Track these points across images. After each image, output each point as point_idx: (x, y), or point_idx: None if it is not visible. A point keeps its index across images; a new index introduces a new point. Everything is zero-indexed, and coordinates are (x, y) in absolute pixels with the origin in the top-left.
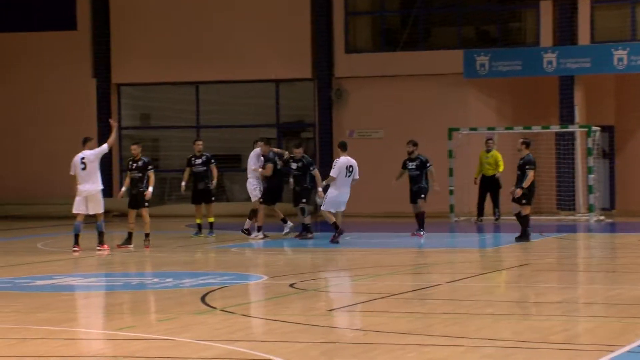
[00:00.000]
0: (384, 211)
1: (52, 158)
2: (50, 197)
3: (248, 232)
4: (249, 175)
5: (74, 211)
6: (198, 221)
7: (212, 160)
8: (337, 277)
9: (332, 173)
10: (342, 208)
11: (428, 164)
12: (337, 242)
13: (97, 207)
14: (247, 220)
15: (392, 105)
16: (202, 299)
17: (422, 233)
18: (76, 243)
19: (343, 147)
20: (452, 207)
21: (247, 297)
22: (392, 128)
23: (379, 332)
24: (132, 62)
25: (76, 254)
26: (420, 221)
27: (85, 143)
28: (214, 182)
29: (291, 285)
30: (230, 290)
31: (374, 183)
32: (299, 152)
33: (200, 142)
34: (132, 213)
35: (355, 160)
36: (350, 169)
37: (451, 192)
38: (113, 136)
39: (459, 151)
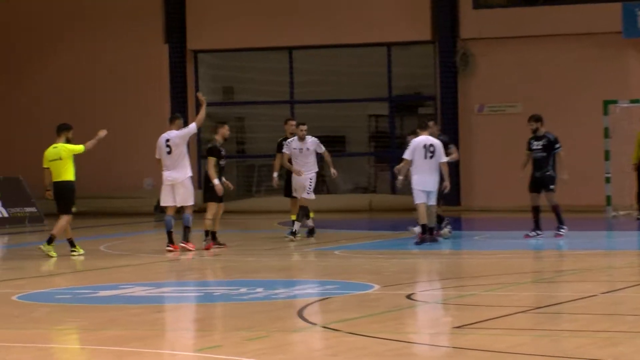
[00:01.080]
0: (524, 204)
1: (118, 141)
2: (117, 188)
3: (294, 234)
4: (304, 166)
5: (162, 203)
6: (293, 218)
7: None
8: (465, 286)
9: (405, 155)
10: (432, 201)
11: (557, 145)
12: (421, 244)
13: (185, 197)
14: (298, 220)
15: (532, 72)
16: (300, 314)
17: (562, 232)
18: (170, 241)
19: (422, 127)
20: (609, 199)
21: (354, 310)
22: (531, 101)
23: (518, 355)
24: (211, 24)
25: (170, 254)
26: (559, 216)
27: (172, 122)
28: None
29: (409, 297)
30: (333, 302)
31: (510, 171)
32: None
33: (293, 122)
34: (214, 207)
35: (487, 140)
36: (432, 149)
37: (607, 180)
38: (202, 113)
39: (617, 129)
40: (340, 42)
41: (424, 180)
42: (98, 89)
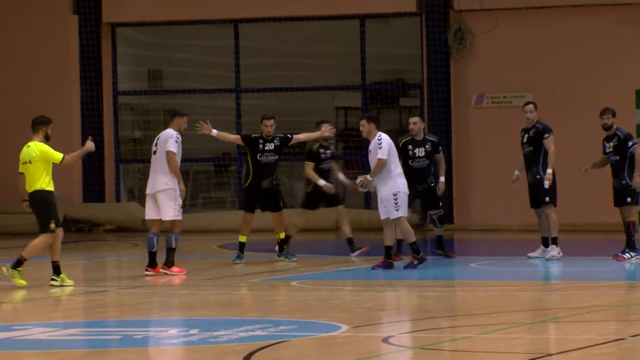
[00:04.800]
0: (532, 222)
1: (11, 139)
2: (7, 199)
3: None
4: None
5: (147, 216)
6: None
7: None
8: (457, 326)
9: (382, 154)
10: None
11: (629, 143)
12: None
13: (164, 210)
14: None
15: (546, 54)
16: None
17: (626, 256)
18: (151, 264)
19: (376, 121)
20: None
21: (316, 358)
22: (545, 90)
23: None
24: None
25: (148, 278)
26: (628, 237)
27: (170, 118)
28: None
29: (385, 340)
30: (289, 347)
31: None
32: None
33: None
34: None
35: (487, 141)
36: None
37: None
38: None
39: None
40: (300, 13)
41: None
42: None
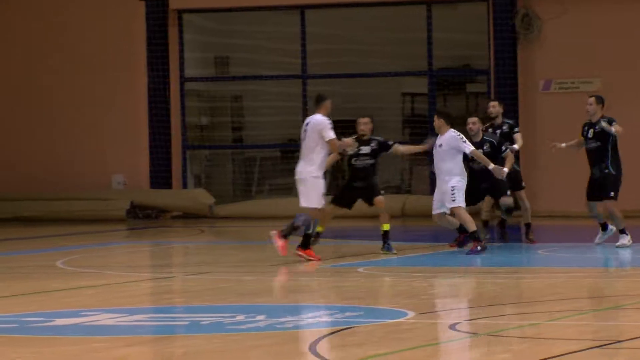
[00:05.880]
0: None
1: (79, 127)
2: (79, 187)
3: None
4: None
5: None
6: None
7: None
8: (524, 313)
9: (471, 146)
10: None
11: None
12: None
13: (304, 197)
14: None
15: (616, 38)
16: (311, 348)
17: None
18: (303, 245)
19: (446, 116)
20: None
21: (382, 344)
22: (613, 75)
23: None
24: None
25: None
26: None
27: (318, 103)
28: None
29: (452, 327)
30: (355, 333)
31: (585, 166)
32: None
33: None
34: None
35: (554, 127)
36: None
37: None
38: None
39: None
40: (365, 0)
41: None
42: (52, 61)
